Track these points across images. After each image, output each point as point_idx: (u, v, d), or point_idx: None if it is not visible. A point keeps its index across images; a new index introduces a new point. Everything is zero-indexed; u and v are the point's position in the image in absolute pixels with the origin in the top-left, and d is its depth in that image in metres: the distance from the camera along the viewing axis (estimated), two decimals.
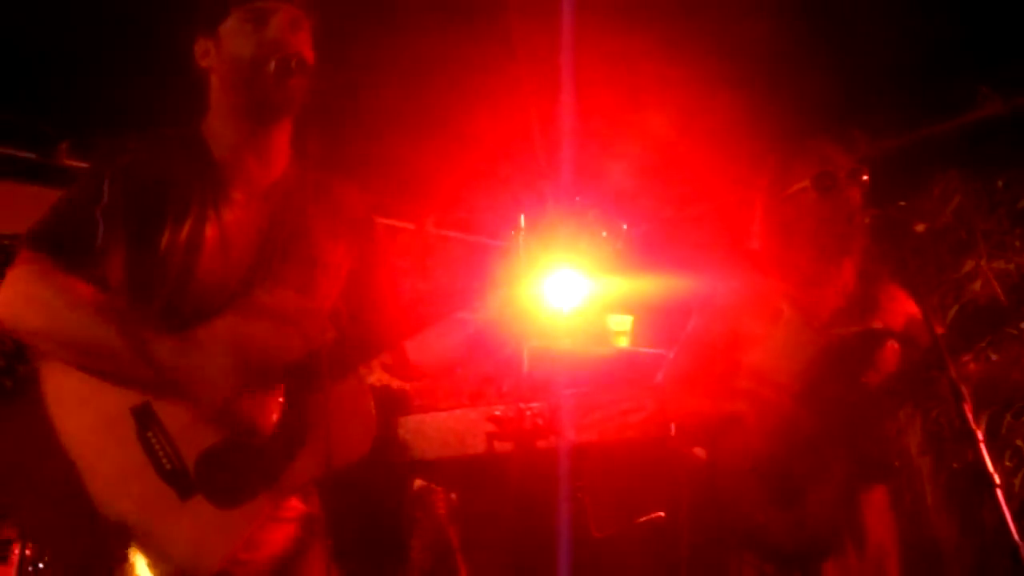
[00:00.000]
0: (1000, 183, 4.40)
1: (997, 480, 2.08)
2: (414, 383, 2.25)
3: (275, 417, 1.83)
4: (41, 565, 3.33)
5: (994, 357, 2.75)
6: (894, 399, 2.58)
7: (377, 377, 5.13)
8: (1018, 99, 4.14)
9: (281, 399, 1.84)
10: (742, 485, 2.54)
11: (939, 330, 2.37)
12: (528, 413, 2.04)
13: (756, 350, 2.68)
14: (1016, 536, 1.99)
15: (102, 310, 1.82)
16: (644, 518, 2.89)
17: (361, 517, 3.64)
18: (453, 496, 3.79)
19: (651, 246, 5.32)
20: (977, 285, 4.28)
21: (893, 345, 2.60)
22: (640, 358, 3.97)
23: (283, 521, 1.96)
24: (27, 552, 3.27)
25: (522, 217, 2.07)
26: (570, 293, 4.61)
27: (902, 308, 2.73)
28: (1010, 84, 4.10)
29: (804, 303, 2.67)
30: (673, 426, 2.57)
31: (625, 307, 4.62)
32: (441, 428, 2.67)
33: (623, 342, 4.43)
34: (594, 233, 2.10)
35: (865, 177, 2.67)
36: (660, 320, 4.41)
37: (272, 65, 1.91)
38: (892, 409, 2.60)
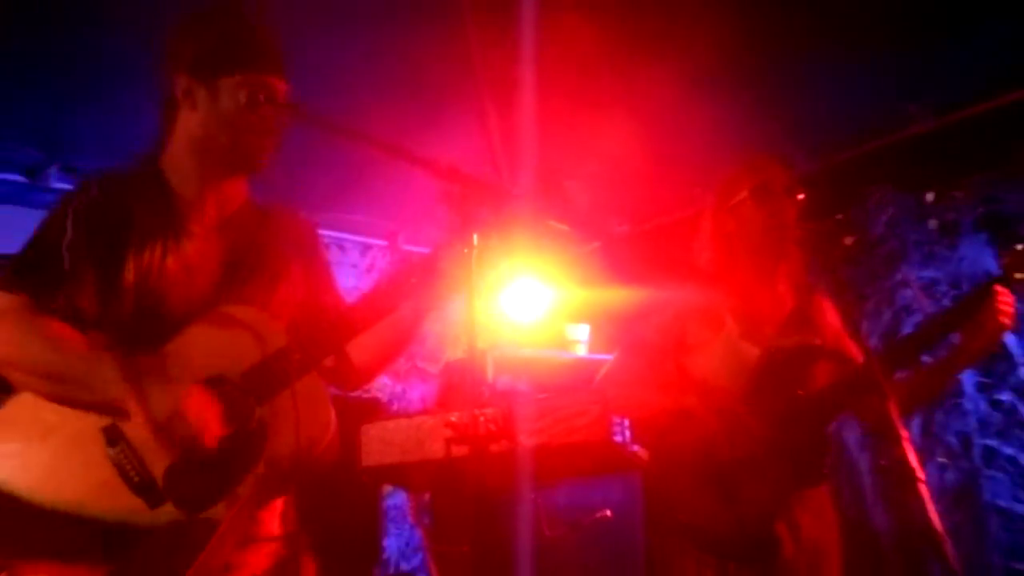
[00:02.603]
0: (928, 198, 4.45)
1: (921, 475, 2.10)
2: (356, 386, 2.25)
3: (223, 425, 1.81)
4: None
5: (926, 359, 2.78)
6: (826, 410, 2.60)
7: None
8: (947, 117, 4.18)
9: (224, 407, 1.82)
10: (686, 481, 2.56)
11: (873, 342, 2.42)
12: (482, 419, 2.03)
13: (700, 356, 2.72)
14: (939, 527, 2.01)
15: (64, 339, 1.83)
16: (592, 517, 2.90)
17: (336, 521, 3.62)
18: (426, 497, 3.78)
19: (608, 259, 5.36)
20: (909, 293, 4.34)
21: (827, 361, 2.64)
22: (597, 365, 3.98)
23: (263, 541, 1.94)
24: None
25: (475, 236, 2.05)
26: (532, 303, 4.64)
27: (831, 321, 2.78)
28: (940, 103, 4.14)
29: (746, 316, 2.71)
30: (627, 422, 2.58)
31: (583, 316, 4.63)
32: (402, 434, 2.66)
33: (581, 350, 4.43)
34: (555, 246, 2.09)
35: (801, 196, 2.73)
36: (616, 328, 4.43)
37: (272, 130, 1.97)
38: (825, 419, 2.61)
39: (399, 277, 2.00)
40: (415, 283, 1.97)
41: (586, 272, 5.09)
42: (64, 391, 1.81)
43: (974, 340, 2.56)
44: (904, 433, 2.15)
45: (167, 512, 1.76)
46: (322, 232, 2.42)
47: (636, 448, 2.50)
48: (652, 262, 5.09)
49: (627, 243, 5.42)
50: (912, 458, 2.10)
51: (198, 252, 1.99)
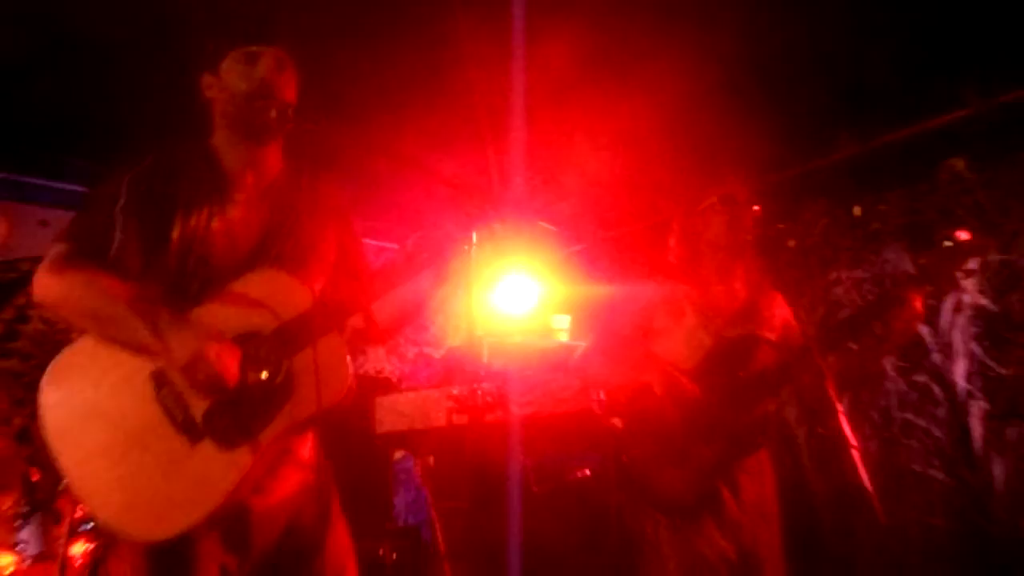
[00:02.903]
0: (858, 210, 4.45)
1: (854, 443, 2.09)
2: (382, 342, 2.20)
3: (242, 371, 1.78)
4: (89, 526, 3.25)
5: (855, 347, 2.76)
6: (765, 388, 2.58)
7: (372, 365, 5.10)
8: (873, 141, 4.18)
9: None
10: (645, 446, 2.54)
11: (810, 331, 2.41)
12: (480, 392, 2.00)
13: (664, 340, 2.69)
14: (869, 486, 2.00)
15: (111, 287, 1.81)
16: (573, 476, 2.87)
17: (353, 481, 3.59)
18: (430, 460, 3.75)
19: (588, 259, 5.34)
20: (840, 291, 4.33)
21: (767, 348, 2.63)
22: (577, 350, 3.96)
23: (292, 467, 1.90)
24: (76, 515, 3.17)
25: (474, 234, 2.02)
26: (522, 298, 4.60)
27: (780, 313, 2.76)
28: (869, 127, 4.13)
29: (704, 307, 2.69)
30: (602, 393, 2.57)
31: (566, 308, 4.59)
32: (410, 405, 2.63)
33: (563, 337, 4.40)
34: (543, 247, 2.07)
35: (757, 207, 2.72)
36: (594, 316, 4.40)
37: (264, 92, 1.89)
38: (763, 396, 2.59)
39: (413, 252, 1.97)
40: (426, 258, 1.95)
41: (569, 270, 5.06)
42: (109, 331, 1.79)
43: (894, 330, 2.55)
44: (839, 407, 2.13)
45: (206, 446, 1.74)
46: None
47: (613, 419, 2.48)
48: (624, 262, 5.07)
49: (604, 246, 5.40)
50: (846, 428, 2.09)
51: (241, 217, 1.94)
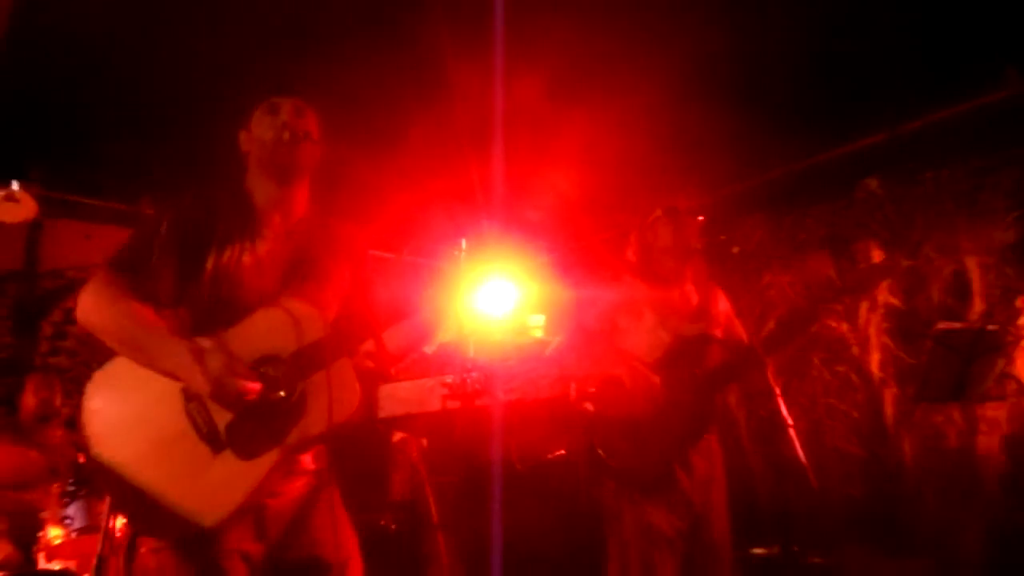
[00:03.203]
0: (787, 223, 4.46)
1: (791, 422, 2.07)
2: (391, 366, 2.13)
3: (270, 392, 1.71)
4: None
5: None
6: (715, 382, 2.56)
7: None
8: (799, 163, 4.18)
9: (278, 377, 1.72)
10: (611, 430, 2.51)
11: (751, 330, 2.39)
12: (469, 380, 1.96)
13: (629, 337, 2.65)
14: (804, 460, 1.98)
15: (145, 321, 1.74)
16: (551, 455, 2.83)
17: (354, 461, 3.53)
18: (424, 442, 3.70)
19: (560, 266, 5.32)
20: (773, 293, 4.35)
21: (717, 347, 2.61)
22: (550, 345, 3.93)
23: (300, 474, 1.85)
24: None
25: (463, 241, 1.98)
26: (502, 300, 4.54)
27: (723, 308, 2.74)
28: (796, 150, 4.12)
29: (661, 307, 2.66)
30: (573, 385, 2.52)
31: (540, 308, 4.55)
32: (408, 392, 2.58)
33: (538, 334, 4.35)
34: (521, 254, 2.04)
35: (701, 218, 2.69)
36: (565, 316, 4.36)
37: (287, 135, 1.85)
38: (714, 389, 2.57)
39: (411, 264, 1.93)
40: (422, 266, 1.90)
41: (543, 275, 5.02)
42: (142, 362, 1.72)
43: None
44: (777, 390, 2.11)
45: (227, 456, 1.68)
46: None
47: (585, 404, 2.45)
48: (591, 268, 5.05)
49: (573, 254, 5.38)
50: (784, 409, 2.07)
51: (268, 253, 1.88)
